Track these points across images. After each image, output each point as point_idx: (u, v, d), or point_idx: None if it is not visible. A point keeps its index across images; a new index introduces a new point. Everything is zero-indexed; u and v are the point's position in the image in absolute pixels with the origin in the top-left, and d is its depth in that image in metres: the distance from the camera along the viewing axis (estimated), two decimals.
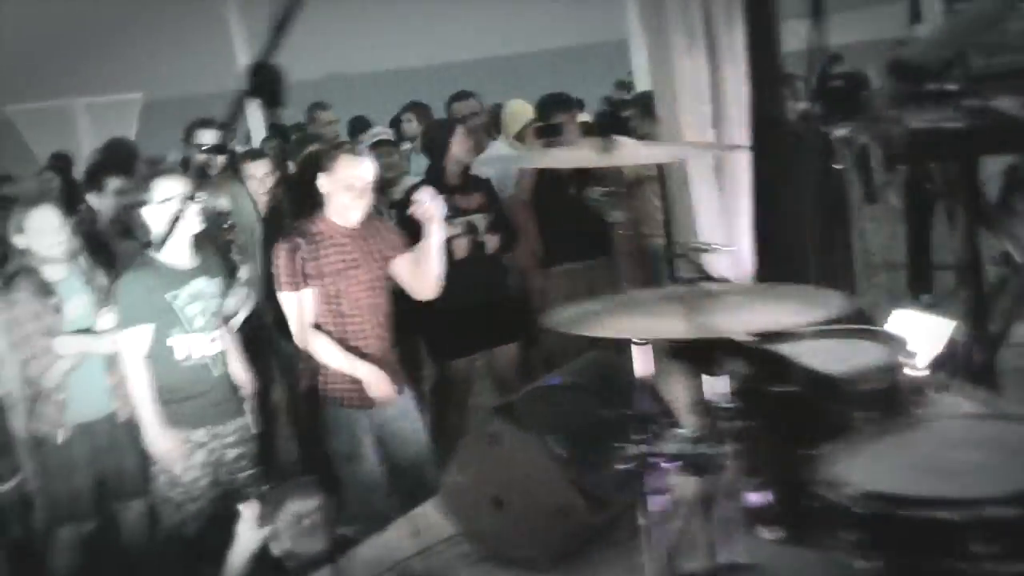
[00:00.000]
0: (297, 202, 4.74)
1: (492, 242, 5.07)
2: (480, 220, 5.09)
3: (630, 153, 2.29)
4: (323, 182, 3.97)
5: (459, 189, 5.05)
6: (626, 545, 3.41)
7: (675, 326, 1.98)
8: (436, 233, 4.04)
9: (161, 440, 3.93)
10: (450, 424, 5.09)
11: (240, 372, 4.21)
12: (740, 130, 4.42)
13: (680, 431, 2.27)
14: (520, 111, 6.19)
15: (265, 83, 1.96)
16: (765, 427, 2.12)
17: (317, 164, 4.81)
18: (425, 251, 4.06)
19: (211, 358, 4.02)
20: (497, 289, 5.22)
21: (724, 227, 4.54)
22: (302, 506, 3.43)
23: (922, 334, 3.06)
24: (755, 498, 2.21)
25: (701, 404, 2.22)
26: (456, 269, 4.44)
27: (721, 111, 4.42)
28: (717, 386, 2.12)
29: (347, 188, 3.94)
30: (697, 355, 2.10)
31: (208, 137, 5.12)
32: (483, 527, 3.28)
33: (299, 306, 3.85)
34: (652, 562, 2.23)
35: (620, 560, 3.33)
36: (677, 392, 2.53)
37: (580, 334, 2.09)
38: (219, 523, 4.03)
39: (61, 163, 7.52)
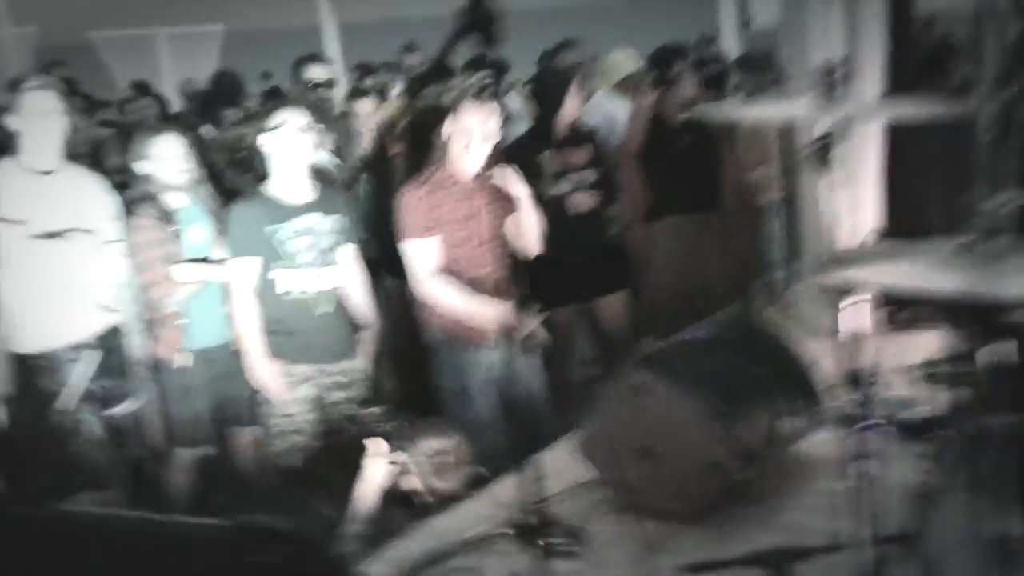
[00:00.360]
0: (415, 148, 4.70)
1: (595, 199, 5.01)
2: (589, 175, 5.03)
3: (857, 108, 2.20)
4: (447, 127, 3.90)
5: (567, 143, 4.98)
6: (768, 503, 3.41)
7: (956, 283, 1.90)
8: (525, 203, 3.98)
9: (261, 370, 3.94)
10: (551, 372, 5.08)
11: (363, 313, 4.18)
12: (874, 84, 4.33)
13: (893, 394, 2.22)
14: (623, 62, 6.09)
15: (483, 20, 1.91)
16: (1002, 395, 2.06)
17: (440, 111, 4.78)
18: (521, 222, 4.02)
19: (317, 295, 3.97)
20: (600, 240, 5.16)
21: (849, 187, 4.45)
22: (436, 443, 3.44)
23: None
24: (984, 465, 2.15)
25: (927, 367, 2.16)
26: (558, 219, 4.39)
27: (855, 62, 4.32)
28: (945, 347, 2.06)
29: (466, 134, 3.85)
30: (975, 318, 2.03)
31: (319, 72, 5.03)
32: (626, 477, 3.25)
33: (424, 254, 3.82)
34: (856, 524, 2.18)
35: (762, 517, 3.31)
36: (890, 353, 2.46)
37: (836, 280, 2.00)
38: (332, 460, 4.05)
39: (143, 91, 7.47)
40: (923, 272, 1.96)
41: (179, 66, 9.05)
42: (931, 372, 2.24)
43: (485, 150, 3.88)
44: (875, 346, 2.28)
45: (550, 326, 5.18)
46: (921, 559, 2.27)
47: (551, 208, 4.43)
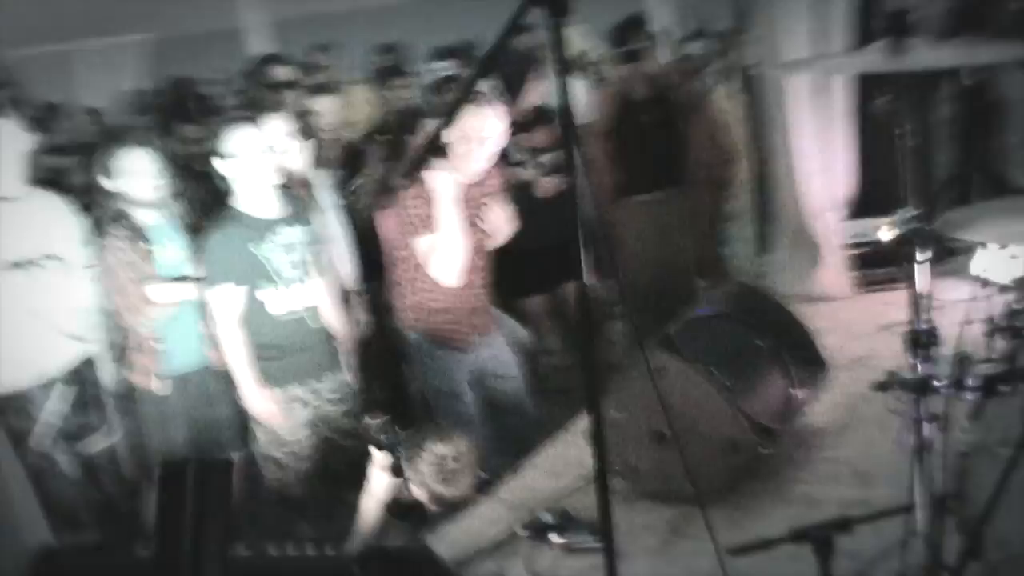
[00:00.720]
0: (400, 148, 4.57)
1: (561, 181, 4.94)
2: (553, 157, 4.95)
3: (923, 56, 2.13)
4: (449, 132, 3.77)
5: (530, 126, 4.89)
6: (779, 476, 3.37)
7: None
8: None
9: (261, 400, 3.78)
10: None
11: (336, 323, 4.04)
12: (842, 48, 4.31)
13: (957, 352, 2.17)
14: (573, 39, 6.00)
15: None
16: None
17: (415, 113, 4.65)
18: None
19: (306, 310, 3.84)
20: (567, 224, 5.08)
21: (821, 150, 4.44)
22: (442, 449, 3.33)
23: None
24: None
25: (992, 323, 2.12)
26: (524, 204, 4.31)
27: (823, 27, 4.29)
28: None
29: (466, 139, 3.72)
30: None
31: (285, 73, 4.83)
32: (643, 463, 3.18)
33: (433, 248, 3.71)
34: (921, 488, 2.13)
35: (775, 491, 3.28)
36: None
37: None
38: (332, 478, 3.92)
39: (54, 112, 7.17)
40: None
41: (103, 80, 8.76)
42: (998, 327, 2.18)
43: (488, 153, 3.77)
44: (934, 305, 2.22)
45: (521, 316, 5.15)
46: (973, 520, 2.23)
47: (518, 194, 4.35)
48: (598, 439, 1.93)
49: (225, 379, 3.92)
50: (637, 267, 5.27)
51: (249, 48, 9.34)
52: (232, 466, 1.40)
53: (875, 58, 2.11)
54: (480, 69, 2.83)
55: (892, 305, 4.64)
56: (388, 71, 5.42)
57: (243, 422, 3.94)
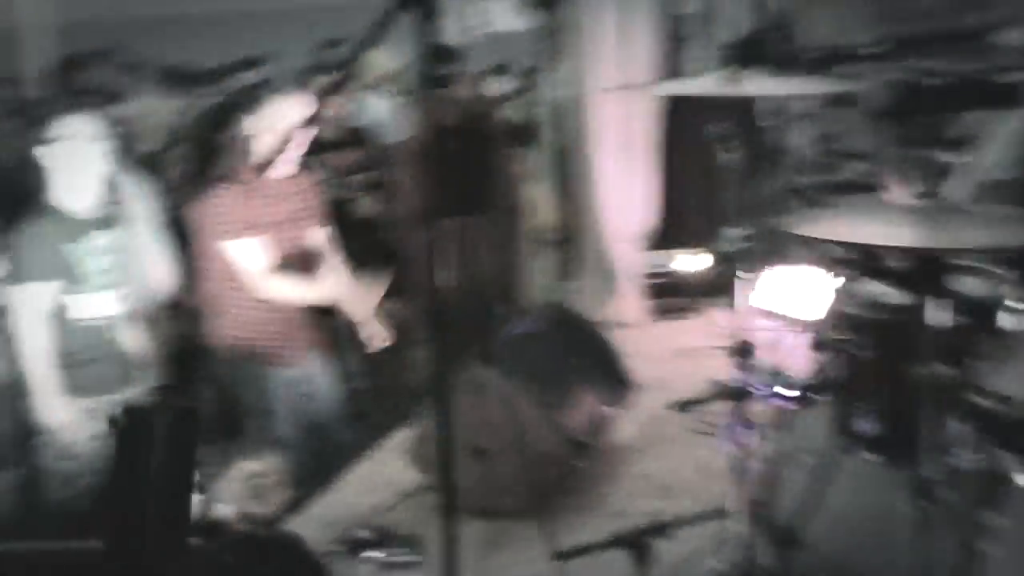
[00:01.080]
0: (206, 149, 4.39)
1: (369, 201, 4.94)
2: (362, 178, 4.94)
3: (758, 85, 2.27)
4: (249, 124, 3.68)
5: (339, 145, 4.86)
6: (592, 491, 3.47)
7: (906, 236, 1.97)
8: None
9: (56, 410, 3.52)
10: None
11: (139, 335, 3.85)
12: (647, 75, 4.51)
13: (771, 364, 2.29)
14: (377, 59, 6.01)
15: None
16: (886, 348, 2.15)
17: (232, 109, 4.50)
18: None
19: (110, 319, 3.63)
20: (375, 243, 5.07)
21: (622, 181, 4.61)
22: (253, 466, 3.23)
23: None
24: (864, 425, 2.25)
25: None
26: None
27: (629, 54, 4.48)
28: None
29: (271, 131, 3.62)
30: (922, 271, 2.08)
31: (84, 78, 4.59)
32: (461, 478, 3.18)
33: (253, 254, 3.58)
34: (739, 498, 2.25)
35: (588, 504, 3.38)
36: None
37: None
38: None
39: None
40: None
41: None
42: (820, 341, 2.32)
43: (293, 150, 3.67)
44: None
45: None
46: (784, 524, 2.37)
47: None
48: (441, 450, 1.93)
49: (10, 389, 3.67)
50: (445, 290, 5.29)
51: (31, 49, 8.86)
52: (197, 413, 1.36)
53: (712, 84, 2.24)
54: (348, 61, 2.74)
55: (684, 333, 4.93)
56: (191, 79, 5.26)
57: (25, 437, 3.69)
